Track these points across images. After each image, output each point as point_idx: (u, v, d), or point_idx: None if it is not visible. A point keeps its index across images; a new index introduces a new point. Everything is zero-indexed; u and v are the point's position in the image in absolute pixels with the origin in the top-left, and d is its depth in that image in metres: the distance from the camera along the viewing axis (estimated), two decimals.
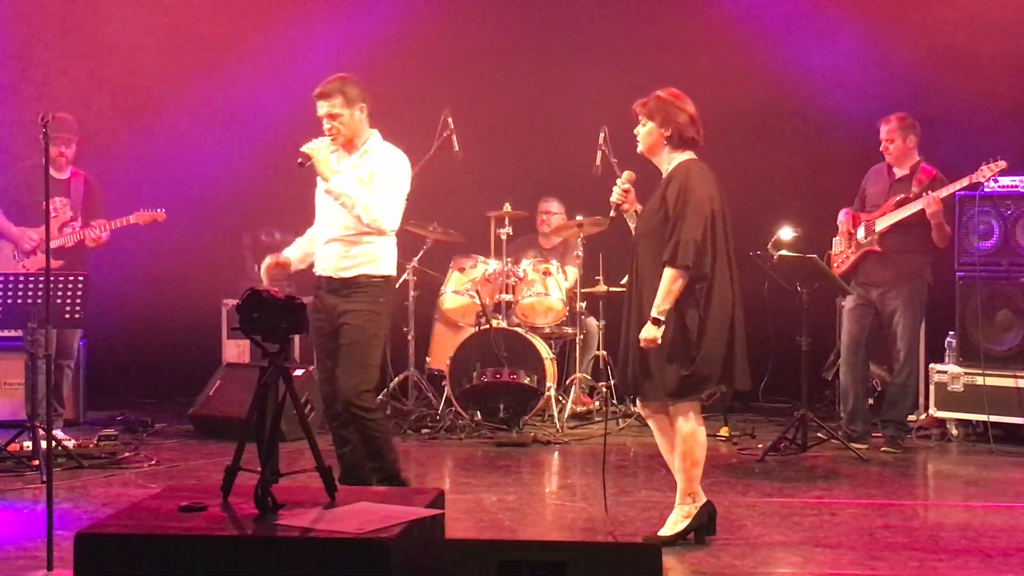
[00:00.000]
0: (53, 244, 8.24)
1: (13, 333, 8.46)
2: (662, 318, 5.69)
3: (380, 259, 6.33)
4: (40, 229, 8.33)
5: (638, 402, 6.02)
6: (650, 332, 5.69)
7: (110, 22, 9.97)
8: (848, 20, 9.93)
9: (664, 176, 5.93)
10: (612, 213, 6.12)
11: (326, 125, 6.31)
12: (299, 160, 6.21)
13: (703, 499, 5.95)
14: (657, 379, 5.80)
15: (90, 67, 9.90)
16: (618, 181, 6.08)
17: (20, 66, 9.96)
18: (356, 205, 6.18)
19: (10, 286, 7.60)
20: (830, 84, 9.91)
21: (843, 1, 9.95)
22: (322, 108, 6.31)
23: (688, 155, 5.92)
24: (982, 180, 8.25)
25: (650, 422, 6.06)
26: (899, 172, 8.56)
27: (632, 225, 6.10)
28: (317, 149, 6.21)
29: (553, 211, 10.22)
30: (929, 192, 8.24)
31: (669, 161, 5.93)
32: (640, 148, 5.99)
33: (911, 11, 9.66)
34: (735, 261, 5.92)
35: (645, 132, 5.95)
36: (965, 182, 8.25)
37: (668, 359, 5.74)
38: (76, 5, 10.00)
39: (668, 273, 5.71)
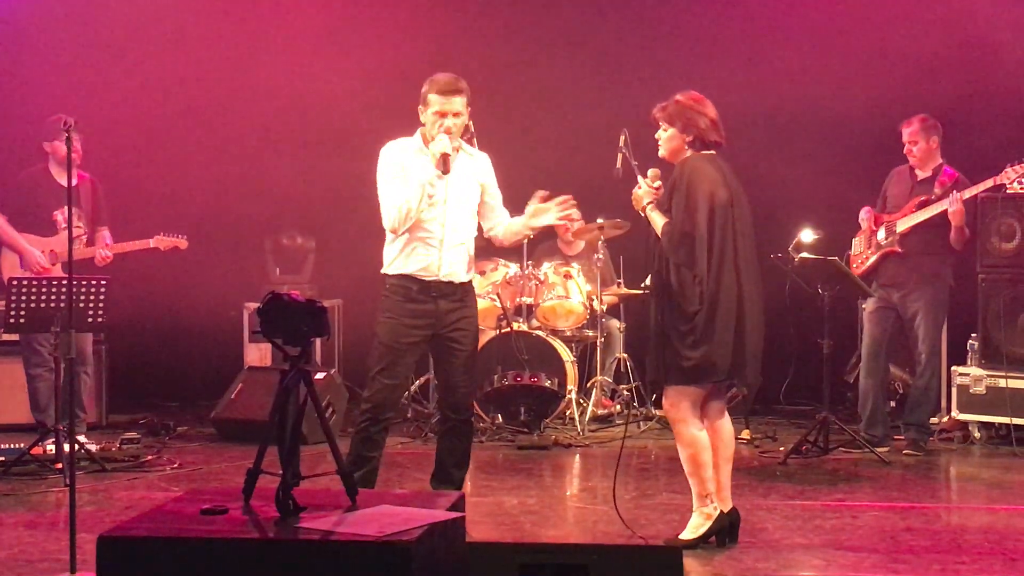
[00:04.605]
0: (60, 259, 8.28)
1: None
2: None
3: None
4: (47, 240, 8.39)
5: (663, 404, 5.99)
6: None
7: (125, 27, 9.97)
8: (868, 20, 9.89)
9: None
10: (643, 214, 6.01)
11: (449, 121, 5.91)
12: (444, 167, 5.89)
13: (728, 503, 5.93)
14: (668, 365, 5.76)
15: (104, 73, 9.89)
16: (647, 182, 6.01)
17: (22, 73, 9.90)
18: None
19: (33, 290, 7.62)
20: (850, 85, 9.86)
21: (862, 1, 9.92)
22: (457, 104, 5.93)
23: (703, 153, 5.86)
24: (1006, 182, 8.21)
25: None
26: (921, 174, 8.52)
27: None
28: (447, 146, 5.89)
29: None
30: (954, 192, 8.20)
31: None
32: (662, 153, 5.95)
33: (931, 10, 9.61)
34: (749, 257, 5.84)
35: (667, 137, 5.91)
36: (989, 183, 8.21)
37: (671, 345, 5.71)
38: (86, 11, 10.00)
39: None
